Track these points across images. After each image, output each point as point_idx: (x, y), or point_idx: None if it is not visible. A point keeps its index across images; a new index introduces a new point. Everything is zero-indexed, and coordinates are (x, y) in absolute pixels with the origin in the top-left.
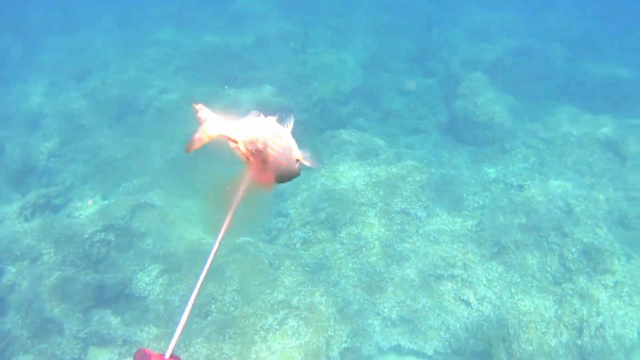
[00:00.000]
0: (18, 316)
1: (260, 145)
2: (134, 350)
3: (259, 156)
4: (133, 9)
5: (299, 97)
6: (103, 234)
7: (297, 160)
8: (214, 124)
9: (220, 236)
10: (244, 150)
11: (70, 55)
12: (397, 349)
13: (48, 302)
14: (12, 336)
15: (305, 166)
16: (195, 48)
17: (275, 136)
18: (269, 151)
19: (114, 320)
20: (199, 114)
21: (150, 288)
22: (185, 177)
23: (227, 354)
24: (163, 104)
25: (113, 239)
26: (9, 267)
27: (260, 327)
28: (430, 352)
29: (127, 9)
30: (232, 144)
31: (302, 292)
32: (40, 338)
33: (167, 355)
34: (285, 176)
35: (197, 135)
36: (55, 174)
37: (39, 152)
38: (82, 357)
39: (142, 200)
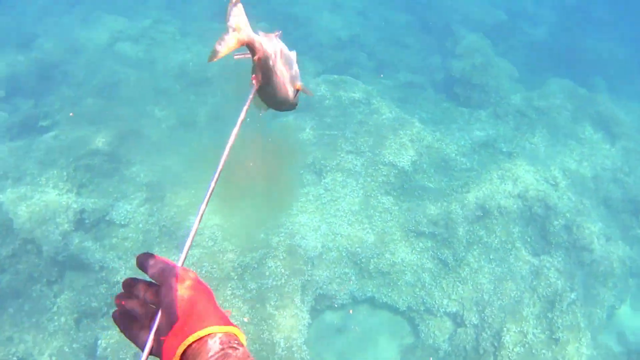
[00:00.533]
0: None
1: (271, 63)
2: (111, 276)
3: (267, 74)
4: None
5: (294, 40)
6: (88, 158)
7: (297, 89)
8: (245, 27)
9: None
10: (257, 65)
11: None
12: (371, 301)
13: (28, 222)
14: None
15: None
16: None
17: (287, 59)
18: (277, 72)
19: (92, 246)
20: (232, 13)
21: (131, 216)
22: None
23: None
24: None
25: (98, 163)
26: None
27: (237, 265)
28: (403, 308)
29: None
30: (253, 57)
31: (282, 233)
32: (18, 258)
33: (180, 264)
34: (284, 104)
35: (226, 39)
36: (45, 95)
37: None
38: (58, 280)
39: (130, 128)
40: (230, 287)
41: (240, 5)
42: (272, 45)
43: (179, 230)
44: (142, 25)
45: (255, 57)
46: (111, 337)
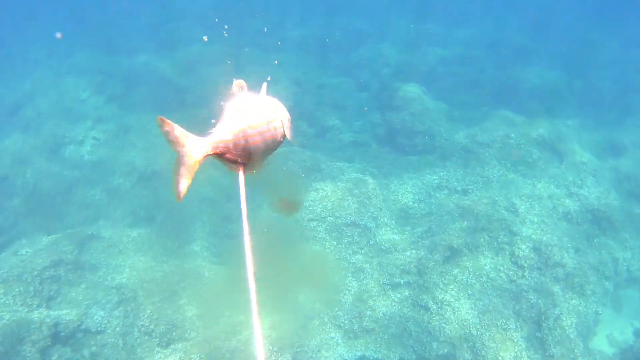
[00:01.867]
0: None
1: (242, 142)
2: None
3: (244, 153)
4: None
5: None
6: (52, 269)
7: (282, 126)
8: (194, 143)
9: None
10: (231, 156)
11: None
12: None
13: (2, 345)
14: None
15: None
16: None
17: (255, 119)
18: (251, 144)
19: (73, 357)
20: (171, 135)
21: (106, 322)
22: (131, 205)
23: None
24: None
25: (63, 273)
26: None
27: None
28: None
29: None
30: (222, 160)
31: (263, 312)
32: None
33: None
34: (271, 151)
35: (182, 168)
36: None
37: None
38: None
39: (89, 233)
40: None
41: (175, 126)
42: (236, 122)
43: (158, 327)
44: (84, 127)
45: (227, 157)
46: None
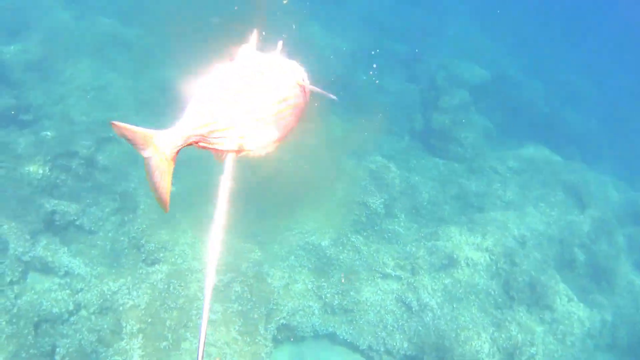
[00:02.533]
0: None
1: (223, 125)
2: (75, 283)
3: (232, 138)
4: None
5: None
6: (65, 159)
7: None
8: (160, 140)
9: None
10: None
11: None
12: (332, 337)
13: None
14: None
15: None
16: None
17: (249, 87)
18: (242, 123)
19: (60, 249)
20: (130, 137)
21: (101, 224)
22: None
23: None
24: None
25: (74, 166)
26: None
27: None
28: (363, 347)
29: None
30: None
31: (251, 260)
32: None
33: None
34: (285, 128)
35: (154, 172)
36: (28, 89)
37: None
38: (20, 281)
39: (111, 135)
40: (196, 307)
41: (129, 131)
42: (204, 110)
43: (149, 244)
44: None
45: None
46: (70, 345)
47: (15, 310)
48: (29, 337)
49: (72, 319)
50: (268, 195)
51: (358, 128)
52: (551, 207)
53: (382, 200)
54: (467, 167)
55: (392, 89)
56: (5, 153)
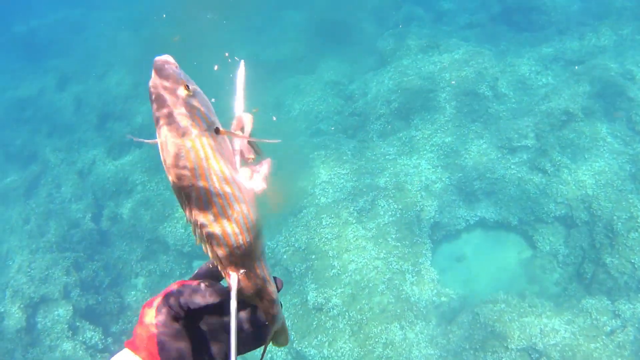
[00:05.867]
0: (124, 243)
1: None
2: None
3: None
4: None
5: None
6: None
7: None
8: None
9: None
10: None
11: None
12: (483, 223)
13: (150, 222)
14: (123, 262)
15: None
16: None
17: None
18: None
19: None
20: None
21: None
22: None
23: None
24: None
25: None
26: (108, 202)
27: (353, 209)
28: (514, 222)
29: None
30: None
31: (387, 174)
32: (148, 259)
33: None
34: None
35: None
36: (133, 115)
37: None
38: (189, 271)
39: None
40: (352, 230)
41: None
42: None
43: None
44: None
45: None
46: None
47: None
48: None
49: None
50: None
51: None
52: None
53: (487, 83)
54: (556, 30)
55: None
56: (139, 171)
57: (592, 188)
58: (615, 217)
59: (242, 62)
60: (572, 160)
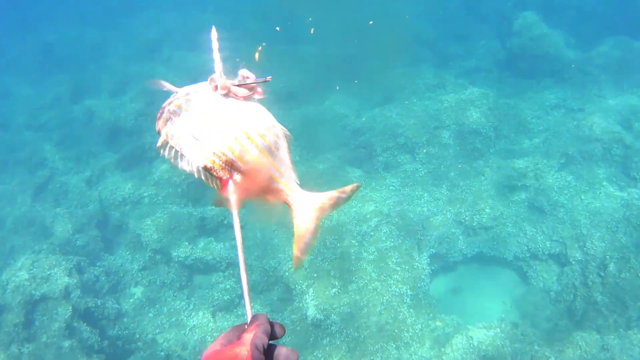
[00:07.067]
0: (127, 252)
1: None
2: (238, 271)
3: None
4: None
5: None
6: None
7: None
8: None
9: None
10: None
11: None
12: (480, 257)
13: (156, 233)
14: (124, 270)
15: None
16: None
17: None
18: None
19: (217, 246)
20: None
21: (246, 218)
22: None
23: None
24: None
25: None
26: (114, 212)
27: (356, 233)
28: (510, 258)
29: None
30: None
31: (391, 203)
32: (149, 270)
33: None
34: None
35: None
36: (144, 131)
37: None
38: (189, 284)
39: None
40: (354, 252)
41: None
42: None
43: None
44: None
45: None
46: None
47: (192, 307)
48: (210, 324)
49: (242, 301)
50: None
51: None
52: None
53: (490, 124)
54: (559, 78)
55: (468, 33)
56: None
57: (587, 227)
58: (607, 257)
59: (213, 27)
60: (569, 200)
